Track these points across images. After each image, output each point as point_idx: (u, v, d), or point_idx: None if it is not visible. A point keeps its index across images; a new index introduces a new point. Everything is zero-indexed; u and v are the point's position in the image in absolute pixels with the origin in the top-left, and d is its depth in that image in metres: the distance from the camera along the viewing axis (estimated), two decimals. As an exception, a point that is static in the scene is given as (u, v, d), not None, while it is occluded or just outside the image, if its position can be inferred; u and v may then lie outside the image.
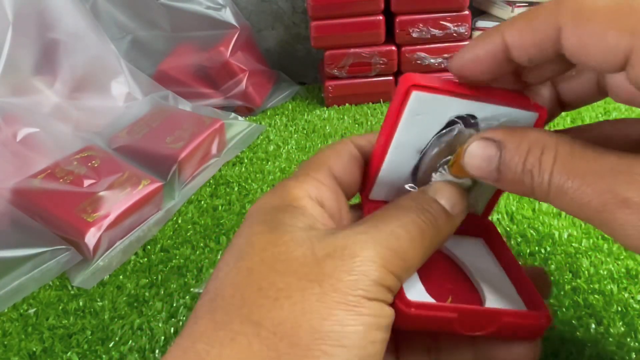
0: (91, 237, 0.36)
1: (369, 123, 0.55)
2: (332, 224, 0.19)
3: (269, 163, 0.48)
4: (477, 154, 0.19)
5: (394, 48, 0.57)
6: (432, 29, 0.56)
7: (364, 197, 0.21)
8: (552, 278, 0.30)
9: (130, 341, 0.29)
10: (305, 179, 0.19)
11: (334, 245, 0.16)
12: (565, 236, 0.33)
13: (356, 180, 0.21)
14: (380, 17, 0.55)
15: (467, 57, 0.20)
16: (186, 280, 0.33)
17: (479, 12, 0.60)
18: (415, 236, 0.17)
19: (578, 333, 0.26)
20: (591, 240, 0.33)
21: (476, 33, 0.58)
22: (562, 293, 0.29)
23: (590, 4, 0.16)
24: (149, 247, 0.38)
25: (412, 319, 0.17)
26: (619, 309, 0.28)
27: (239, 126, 0.54)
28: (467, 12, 0.56)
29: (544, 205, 0.37)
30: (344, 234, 0.17)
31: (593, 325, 0.27)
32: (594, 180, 0.16)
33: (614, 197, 0.15)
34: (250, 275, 0.16)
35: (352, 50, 0.57)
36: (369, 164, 0.21)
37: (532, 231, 0.34)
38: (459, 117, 0.20)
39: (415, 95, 0.19)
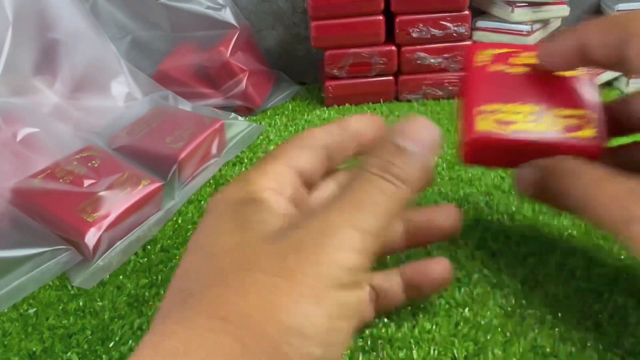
0: (91, 237, 0.36)
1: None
2: (295, 211, 0.19)
3: (269, 163, 0.48)
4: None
5: (394, 48, 0.57)
6: (432, 29, 0.56)
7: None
8: (551, 278, 0.30)
9: (130, 341, 0.29)
10: (266, 169, 0.20)
11: (298, 239, 0.16)
12: (565, 236, 0.33)
13: (316, 171, 0.21)
14: (380, 17, 0.55)
15: (553, 48, 0.25)
16: (186, 280, 0.33)
17: (479, 12, 0.60)
18: (375, 199, 0.17)
19: (576, 331, 0.26)
20: (591, 241, 0.33)
21: (476, 33, 0.58)
22: (562, 292, 0.29)
23: None
24: (149, 247, 0.38)
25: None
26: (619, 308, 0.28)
27: (239, 126, 0.54)
28: (467, 12, 0.56)
29: (544, 206, 0.37)
30: (307, 225, 0.17)
31: (591, 324, 0.27)
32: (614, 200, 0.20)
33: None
34: (220, 275, 0.16)
35: (352, 50, 0.57)
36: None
37: (532, 231, 0.34)
38: None
39: None
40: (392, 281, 0.26)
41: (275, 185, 0.19)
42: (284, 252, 0.16)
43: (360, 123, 0.23)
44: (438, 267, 0.26)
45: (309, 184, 0.21)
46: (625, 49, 0.21)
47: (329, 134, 0.22)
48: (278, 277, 0.15)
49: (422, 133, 0.19)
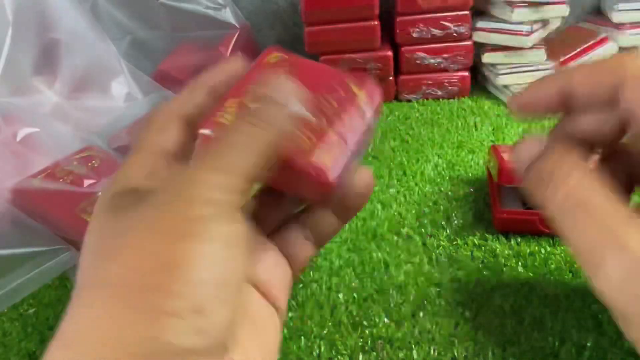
0: (91, 237, 0.36)
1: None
2: None
3: (269, 163, 0.48)
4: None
5: (389, 53, 0.57)
6: (432, 29, 0.56)
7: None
8: (551, 278, 0.30)
9: (130, 341, 0.29)
10: (131, 162, 0.20)
11: (156, 196, 0.17)
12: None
13: (184, 142, 0.21)
14: (376, 23, 0.55)
15: (529, 95, 0.23)
16: (186, 280, 0.33)
17: (479, 12, 0.60)
18: (241, 149, 0.18)
19: (576, 331, 0.26)
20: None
21: (476, 33, 0.58)
22: (562, 292, 0.29)
23: None
24: (149, 247, 0.38)
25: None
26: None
27: (239, 126, 0.54)
28: (467, 12, 0.56)
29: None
30: (168, 182, 0.18)
31: (591, 324, 0.27)
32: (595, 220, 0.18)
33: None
34: (93, 253, 0.18)
35: (347, 55, 0.57)
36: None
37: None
38: None
39: None
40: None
41: (142, 173, 0.20)
42: (148, 215, 0.17)
43: (214, 77, 0.23)
44: (362, 178, 0.24)
45: (186, 156, 0.22)
46: (619, 93, 0.20)
47: (180, 103, 0.22)
48: (141, 232, 0.16)
49: (280, 82, 0.20)
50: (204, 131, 0.20)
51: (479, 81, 0.62)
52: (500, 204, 0.35)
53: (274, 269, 0.24)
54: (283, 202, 0.24)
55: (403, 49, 0.57)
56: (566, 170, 0.19)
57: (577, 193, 0.18)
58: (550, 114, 0.23)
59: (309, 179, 0.20)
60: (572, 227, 0.18)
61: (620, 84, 0.20)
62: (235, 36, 0.60)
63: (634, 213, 0.17)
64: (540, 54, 0.57)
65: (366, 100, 0.22)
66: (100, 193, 0.20)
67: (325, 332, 0.28)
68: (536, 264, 0.31)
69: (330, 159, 0.20)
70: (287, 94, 0.20)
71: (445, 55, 0.57)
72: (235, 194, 0.17)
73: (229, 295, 0.16)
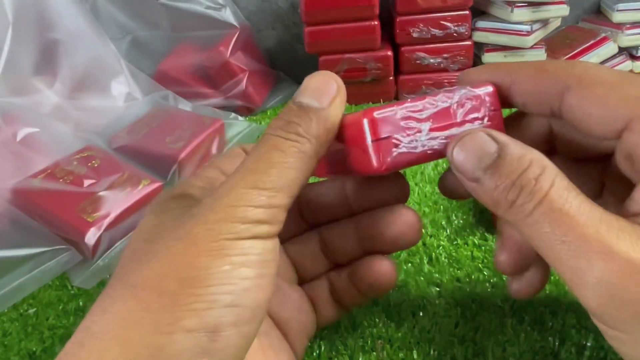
0: (91, 237, 0.36)
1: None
2: None
3: (269, 163, 0.48)
4: (472, 146, 0.18)
5: (389, 53, 0.57)
6: (432, 29, 0.56)
7: None
8: (552, 278, 0.30)
9: (130, 341, 0.29)
10: (198, 174, 0.21)
11: (198, 207, 0.17)
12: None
13: None
14: (376, 22, 0.55)
15: (470, 75, 0.21)
16: (186, 280, 0.33)
17: (479, 12, 0.60)
18: (273, 159, 0.18)
19: (576, 331, 0.26)
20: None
21: (476, 33, 0.58)
22: (561, 292, 0.29)
23: (597, 72, 0.18)
24: (149, 247, 0.38)
25: None
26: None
27: (239, 126, 0.54)
28: (467, 12, 0.56)
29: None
30: (209, 196, 0.18)
31: (591, 324, 0.27)
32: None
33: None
34: (134, 253, 0.18)
35: (347, 55, 0.57)
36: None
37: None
38: None
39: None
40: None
41: (205, 184, 0.20)
42: (185, 220, 0.17)
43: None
44: (383, 267, 0.23)
45: None
46: (562, 97, 0.18)
47: None
48: (178, 240, 0.16)
49: (320, 86, 0.19)
50: None
51: (479, 81, 0.62)
52: None
53: (297, 311, 0.23)
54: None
55: (403, 49, 0.57)
56: (537, 173, 0.17)
57: (551, 199, 0.16)
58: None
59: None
60: (549, 236, 0.16)
61: (564, 88, 0.18)
62: (235, 36, 0.60)
63: (613, 215, 0.16)
64: (540, 54, 0.57)
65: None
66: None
67: (325, 332, 0.28)
68: (536, 264, 0.31)
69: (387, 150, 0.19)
70: (328, 96, 0.19)
71: (445, 55, 0.57)
72: (273, 214, 0.17)
73: (247, 321, 0.16)
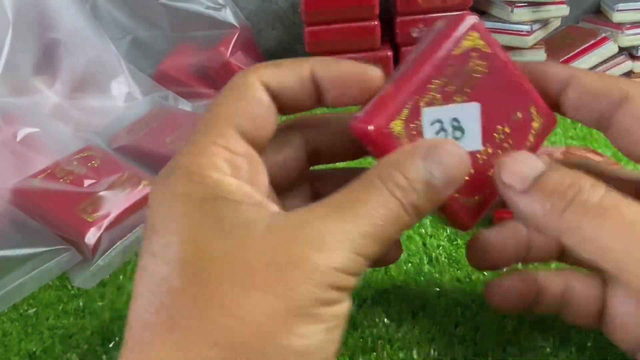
0: (91, 237, 0.36)
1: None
2: (263, 199, 0.17)
3: (269, 163, 0.48)
4: (523, 160, 0.19)
5: (389, 53, 0.57)
6: (432, 29, 0.56)
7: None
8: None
9: (130, 341, 0.29)
10: (215, 150, 0.17)
11: (290, 247, 0.15)
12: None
13: (268, 134, 0.19)
14: (376, 23, 0.55)
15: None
16: (186, 280, 0.33)
17: (479, 12, 0.60)
18: (379, 226, 0.16)
19: (576, 331, 0.26)
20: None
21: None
22: (562, 293, 0.29)
23: None
24: (149, 247, 0.38)
25: None
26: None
27: (238, 126, 0.54)
28: (467, 12, 0.56)
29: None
30: (301, 233, 0.15)
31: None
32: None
33: None
34: (212, 293, 0.15)
35: (347, 55, 0.57)
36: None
37: (532, 231, 0.34)
38: None
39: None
40: None
41: (230, 169, 0.17)
42: (278, 264, 0.15)
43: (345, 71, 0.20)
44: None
45: (261, 150, 0.19)
46: (617, 111, 0.19)
47: (278, 78, 0.19)
48: (274, 297, 0.14)
49: (451, 161, 0.17)
50: None
51: (479, 81, 0.62)
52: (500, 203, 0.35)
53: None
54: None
55: (403, 49, 0.57)
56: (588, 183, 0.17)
57: (604, 202, 0.17)
58: None
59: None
60: (599, 234, 0.17)
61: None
62: (235, 36, 0.60)
63: None
64: (540, 54, 0.57)
65: (539, 131, 0.21)
66: (165, 185, 0.17)
67: (325, 332, 0.28)
68: (536, 263, 0.31)
69: None
70: (453, 179, 0.18)
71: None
72: (359, 266, 0.16)
73: None
